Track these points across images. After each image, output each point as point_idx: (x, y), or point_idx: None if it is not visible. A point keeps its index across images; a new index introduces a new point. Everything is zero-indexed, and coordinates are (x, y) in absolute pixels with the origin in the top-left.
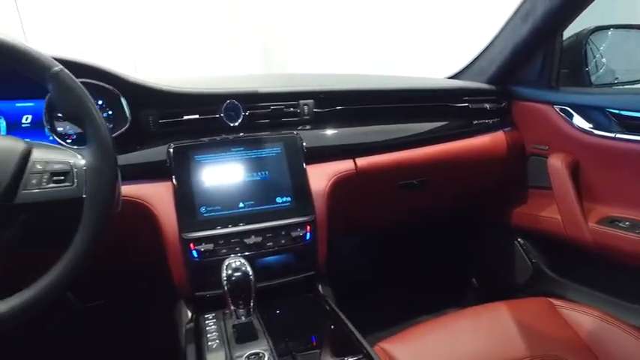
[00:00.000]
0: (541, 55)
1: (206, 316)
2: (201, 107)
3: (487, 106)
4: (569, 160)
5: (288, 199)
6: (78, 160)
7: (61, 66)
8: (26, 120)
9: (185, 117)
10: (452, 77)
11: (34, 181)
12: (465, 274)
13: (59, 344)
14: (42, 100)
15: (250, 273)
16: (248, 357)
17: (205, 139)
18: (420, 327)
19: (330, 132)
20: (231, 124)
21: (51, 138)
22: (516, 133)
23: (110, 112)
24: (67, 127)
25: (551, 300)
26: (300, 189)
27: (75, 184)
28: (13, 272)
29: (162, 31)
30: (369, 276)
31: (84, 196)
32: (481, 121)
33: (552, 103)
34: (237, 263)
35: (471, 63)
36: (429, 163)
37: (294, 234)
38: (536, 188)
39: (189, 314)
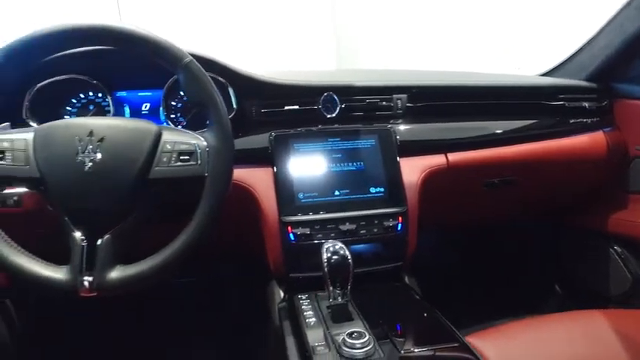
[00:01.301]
0: None
1: (299, 296)
2: (301, 99)
3: (586, 104)
4: None
5: (382, 189)
6: (201, 141)
7: (190, 57)
8: (145, 107)
9: (286, 107)
10: (545, 74)
11: (164, 159)
12: (547, 278)
13: (151, 315)
14: (158, 90)
15: (349, 257)
16: (349, 334)
17: (304, 129)
18: (508, 326)
19: (422, 126)
20: (328, 116)
21: (165, 124)
22: (618, 134)
23: None
24: (179, 114)
25: None
26: (393, 181)
27: (199, 163)
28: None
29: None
30: (449, 271)
31: (206, 174)
32: (578, 120)
33: None
34: (337, 247)
35: (567, 60)
36: (520, 161)
37: (386, 224)
38: (637, 193)
39: (282, 294)
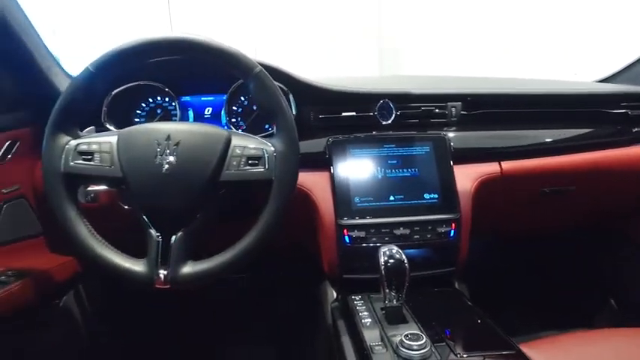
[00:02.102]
0: None
1: (353, 297)
2: (358, 105)
3: None
4: None
5: (436, 196)
6: (268, 147)
7: (260, 67)
8: (208, 111)
9: (343, 114)
10: (602, 81)
11: (234, 163)
12: (601, 290)
13: (205, 311)
14: (220, 95)
15: (405, 261)
16: (406, 335)
17: (361, 135)
18: (561, 338)
19: (476, 134)
20: (383, 122)
21: (225, 128)
22: None
23: None
24: (239, 118)
25: None
26: (447, 188)
27: (267, 168)
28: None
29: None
30: (500, 278)
31: (273, 177)
32: None
33: None
34: (394, 251)
35: (628, 66)
36: (576, 171)
37: (439, 230)
38: None
39: (334, 294)
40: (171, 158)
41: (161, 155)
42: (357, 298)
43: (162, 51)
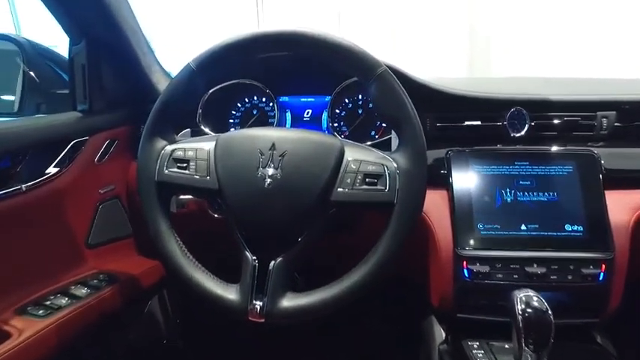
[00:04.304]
0: None
1: (469, 342)
2: (484, 113)
3: None
4: None
5: (580, 228)
6: (390, 163)
7: (385, 66)
8: (307, 114)
9: (466, 122)
10: None
11: (348, 180)
12: None
13: (289, 340)
14: (321, 96)
15: (550, 313)
16: None
17: (487, 147)
18: None
19: (634, 152)
20: (514, 134)
21: (327, 132)
22: None
23: None
24: (342, 122)
25: None
26: (596, 218)
27: (387, 189)
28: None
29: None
30: None
31: (395, 201)
32: None
33: None
34: (534, 298)
35: None
36: None
37: (584, 271)
38: None
39: (443, 334)
40: (276, 171)
41: (264, 167)
42: (475, 346)
43: (273, 46)
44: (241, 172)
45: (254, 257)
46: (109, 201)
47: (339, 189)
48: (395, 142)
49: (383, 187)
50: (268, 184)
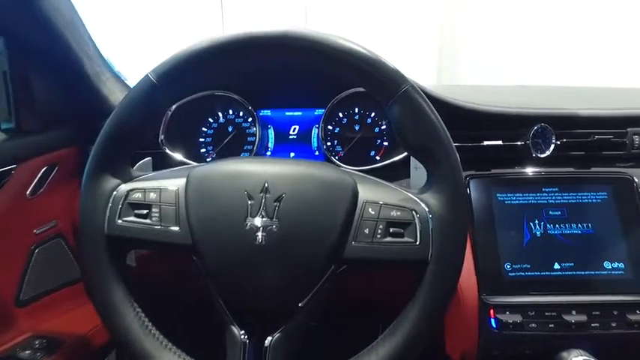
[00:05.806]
0: None
1: None
2: (504, 131)
3: None
4: None
5: (621, 265)
6: (419, 205)
7: (410, 82)
8: (293, 131)
9: (485, 142)
10: None
11: (366, 231)
12: None
13: None
14: (309, 109)
15: None
16: None
17: (510, 172)
18: None
19: None
20: (537, 155)
21: (317, 153)
22: None
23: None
24: (335, 142)
25: None
26: (638, 254)
27: (419, 241)
28: None
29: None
30: None
31: (429, 258)
32: None
33: None
34: None
35: None
36: None
37: (631, 317)
38: None
39: None
40: (270, 221)
41: (254, 216)
42: None
43: (260, 51)
44: (223, 223)
45: (242, 332)
46: (48, 242)
47: (355, 243)
48: (417, 174)
49: (412, 240)
50: (260, 240)
